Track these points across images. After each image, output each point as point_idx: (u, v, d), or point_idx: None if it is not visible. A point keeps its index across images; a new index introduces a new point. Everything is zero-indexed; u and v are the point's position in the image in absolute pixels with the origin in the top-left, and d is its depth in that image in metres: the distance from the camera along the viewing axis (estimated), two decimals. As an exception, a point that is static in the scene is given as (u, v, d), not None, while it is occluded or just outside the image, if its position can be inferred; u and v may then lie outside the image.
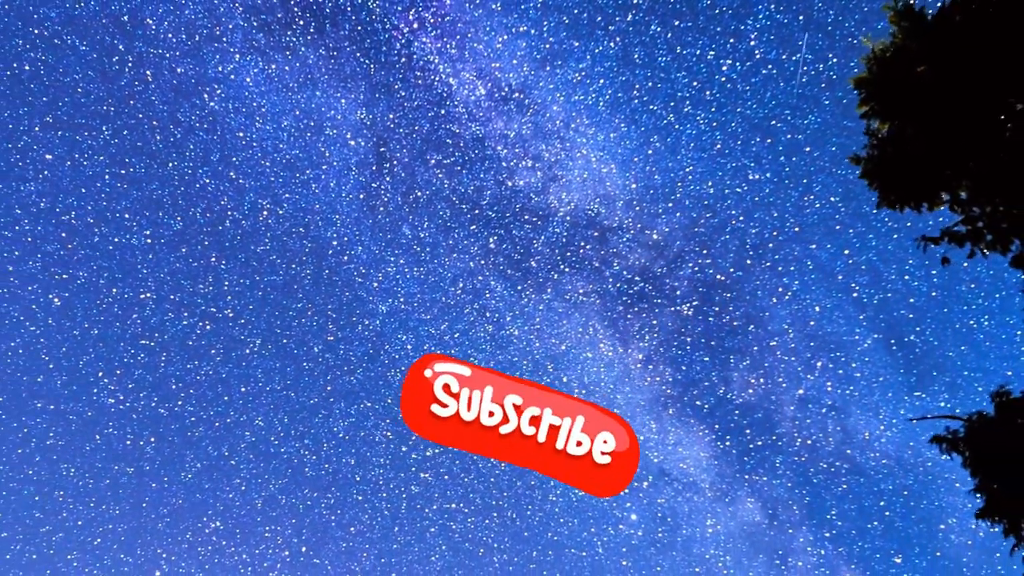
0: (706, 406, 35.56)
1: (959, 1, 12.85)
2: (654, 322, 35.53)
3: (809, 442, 34.06)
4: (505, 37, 31.07)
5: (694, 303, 35.22)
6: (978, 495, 12.07)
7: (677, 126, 31.87)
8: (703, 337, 35.59)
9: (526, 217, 35.27)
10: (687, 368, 35.75)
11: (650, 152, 32.62)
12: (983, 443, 12.07)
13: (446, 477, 39.51)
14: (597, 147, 32.53)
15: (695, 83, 31.05)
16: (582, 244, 34.96)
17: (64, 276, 35.98)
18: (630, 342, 35.99)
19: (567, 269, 35.53)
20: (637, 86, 31.43)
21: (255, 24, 32.61)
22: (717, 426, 35.97)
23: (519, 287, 36.56)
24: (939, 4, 13.27)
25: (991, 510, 11.87)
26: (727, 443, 35.63)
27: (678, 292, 35.02)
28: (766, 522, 35.93)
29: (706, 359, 35.73)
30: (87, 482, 37.54)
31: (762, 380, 34.46)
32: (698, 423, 35.79)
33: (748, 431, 35.40)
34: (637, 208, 33.18)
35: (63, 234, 35.49)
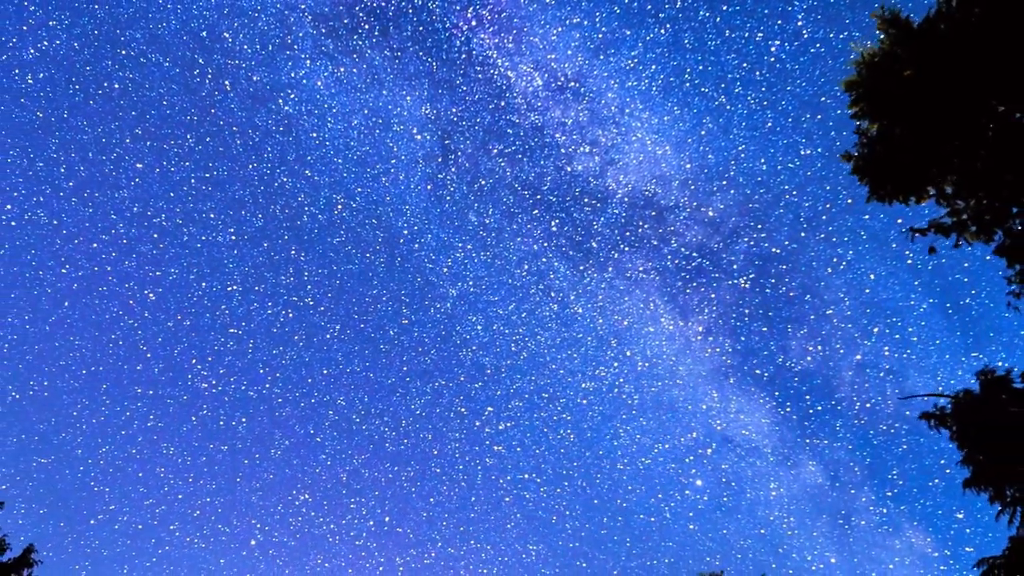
0: (766, 374, 36.96)
1: (944, 10, 13.61)
2: (712, 296, 37.09)
3: (868, 405, 34.99)
4: (559, 29, 32.34)
5: (751, 276, 36.74)
6: (965, 466, 12.96)
7: (728, 107, 33.22)
8: (760, 308, 37.09)
9: (585, 200, 37.01)
10: (746, 339, 37.28)
11: (703, 133, 33.93)
12: (969, 418, 12.94)
13: (519, 449, 41.44)
14: (652, 130, 33.82)
15: (744, 64, 32.26)
16: (640, 223, 36.65)
17: (157, 273, 39.20)
18: (690, 315, 37.53)
19: (627, 248, 37.22)
20: (688, 70, 32.75)
21: (323, 31, 34.26)
22: (777, 393, 36.92)
23: (581, 267, 38.28)
24: (925, 13, 14.06)
25: (977, 479, 12.76)
26: (787, 409, 36.49)
27: (735, 266, 36.60)
28: (828, 483, 36.85)
29: (764, 329, 37.42)
30: (185, 459, 40.82)
31: (820, 347, 35.70)
32: (758, 391, 37.19)
33: (808, 397, 36.40)
34: (692, 187, 34.47)
35: (155, 235, 38.54)
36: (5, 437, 39.26)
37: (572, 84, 33.59)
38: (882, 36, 14.22)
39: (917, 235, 14.62)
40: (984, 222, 14.25)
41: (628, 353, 38.45)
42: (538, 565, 41.07)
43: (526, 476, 40.73)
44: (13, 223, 37.36)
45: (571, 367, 39.82)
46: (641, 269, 37.07)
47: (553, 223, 37.57)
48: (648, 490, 40.19)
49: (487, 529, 41.67)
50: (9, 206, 37.24)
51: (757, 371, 36.57)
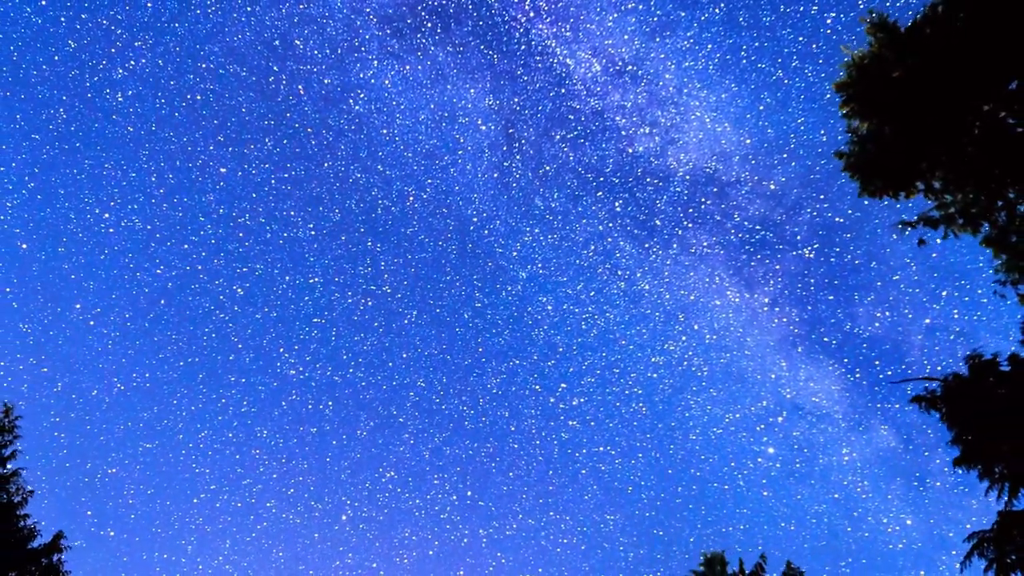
0: (834, 342, 37.02)
1: (930, 14, 14.18)
2: (777, 267, 37.30)
3: (939, 368, 34.98)
4: (615, 15, 33.04)
5: (815, 246, 36.76)
6: (955, 445, 13.41)
7: (786, 81, 33.45)
8: (826, 277, 37.14)
9: (648, 180, 37.48)
10: (813, 308, 37.39)
11: (762, 108, 34.23)
12: (958, 401, 13.40)
13: (592, 424, 42.32)
14: (710, 108, 34.16)
15: (800, 38, 32.69)
16: (703, 200, 37.04)
17: (244, 269, 41.48)
18: (756, 287, 37.75)
19: (690, 224, 37.77)
20: (744, 47, 33.19)
21: (388, 31, 35.71)
22: (846, 360, 36.95)
23: (646, 244, 38.89)
24: (912, 17, 14.63)
25: (967, 458, 13.20)
26: (857, 375, 36.57)
27: (798, 237, 36.71)
28: (901, 447, 36.62)
29: (831, 297, 37.25)
30: (278, 441, 42.90)
31: (888, 313, 35.73)
32: (827, 358, 37.22)
33: (877, 362, 36.52)
34: (753, 161, 34.73)
35: (240, 234, 40.79)
36: (113, 425, 41.81)
37: (630, 68, 34.38)
38: (871, 40, 14.79)
39: (907, 228, 15.14)
40: (971, 215, 14.75)
41: (696, 327, 39.16)
42: (616, 534, 41.76)
43: (601, 449, 41.55)
44: (111, 230, 39.76)
45: (640, 342, 40.69)
46: (705, 244, 37.71)
47: (617, 204, 38.41)
48: (721, 459, 40.78)
49: (565, 500, 42.69)
50: (107, 215, 39.65)
51: (825, 339, 36.89)
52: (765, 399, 38.70)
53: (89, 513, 40.43)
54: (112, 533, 40.26)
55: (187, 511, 41.51)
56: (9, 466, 17.43)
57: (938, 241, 15.06)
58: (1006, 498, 12.79)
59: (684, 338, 39.46)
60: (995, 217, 14.60)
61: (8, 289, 39.71)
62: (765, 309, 37.64)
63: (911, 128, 14.52)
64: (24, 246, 39.21)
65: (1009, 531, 12.53)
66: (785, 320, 37.23)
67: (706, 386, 40.03)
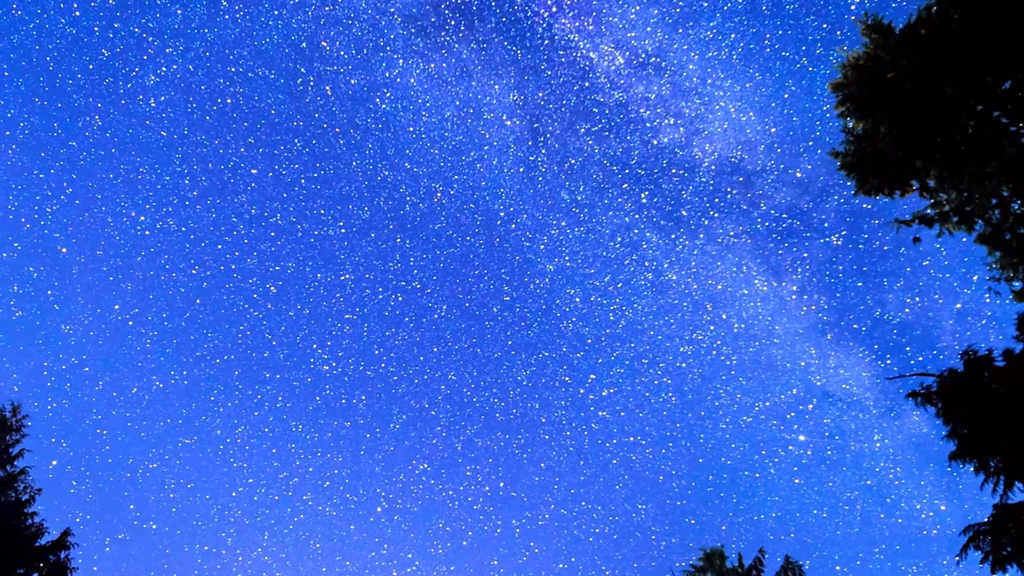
0: (863, 328, 36.63)
1: (924, 16, 14.33)
2: (805, 255, 36.81)
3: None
4: (637, 7, 32.97)
5: (842, 233, 36.17)
6: (951, 440, 13.50)
7: (811, 68, 33.07)
8: (855, 264, 36.51)
9: (673, 171, 37.32)
10: (841, 294, 36.96)
11: (786, 96, 33.82)
12: (954, 396, 13.49)
13: (622, 414, 42.24)
14: (735, 98, 34.00)
15: (824, 25, 32.38)
16: (728, 189, 36.66)
17: (276, 268, 42.12)
18: (783, 275, 37.32)
19: (716, 214, 37.47)
20: (768, 35, 32.92)
21: (413, 30, 36.01)
22: (876, 346, 36.64)
23: (673, 235, 38.58)
24: (906, 18, 14.79)
25: (962, 452, 13.29)
26: (888, 361, 36.15)
27: (826, 224, 36.29)
28: (934, 432, 35.32)
29: (859, 284, 36.59)
30: (313, 435, 43.63)
31: (918, 299, 35.18)
32: (857, 345, 36.78)
33: (908, 348, 36.08)
34: (779, 150, 34.46)
35: (272, 233, 41.62)
36: (153, 422, 42.79)
37: (653, 59, 34.26)
38: (866, 41, 14.94)
39: (902, 226, 15.28)
40: (966, 213, 14.88)
41: (724, 316, 39.06)
42: (648, 523, 41.87)
43: (631, 439, 41.63)
44: (147, 232, 40.85)
45: (668, 332, 40.66)
46: (732, 234, 37.44)
47: (643, 195, 38.27)
48: (751, 447, 40.60)
49: (596, 490, 42.96)
50: (143, 217, 40.66)
51: (855, 326, 36.60)
52: (795, 387, 38.55)
53: (132, 507, 41.36)
54: (154, 526, 41.36)
55: (226, 504, 42.58)
56: (17, 464, 17.56)
57: (938, 236, 15.20)
58: (1001, 491, 12.90)
59: (712, 327, 39.38)
60: (989, 215, 14.73)
61: (50, 292, 40.78)
62: (793, 297, 37.48)
63: (906, 128, 14.66)
64: (64, 250, 40.39)
65: (1004, 524, 12.62)
66: (814, 308, 37.00)
67: (735, 375, 39.94)
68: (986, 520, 12.85)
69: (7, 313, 40.21)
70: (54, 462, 40.11)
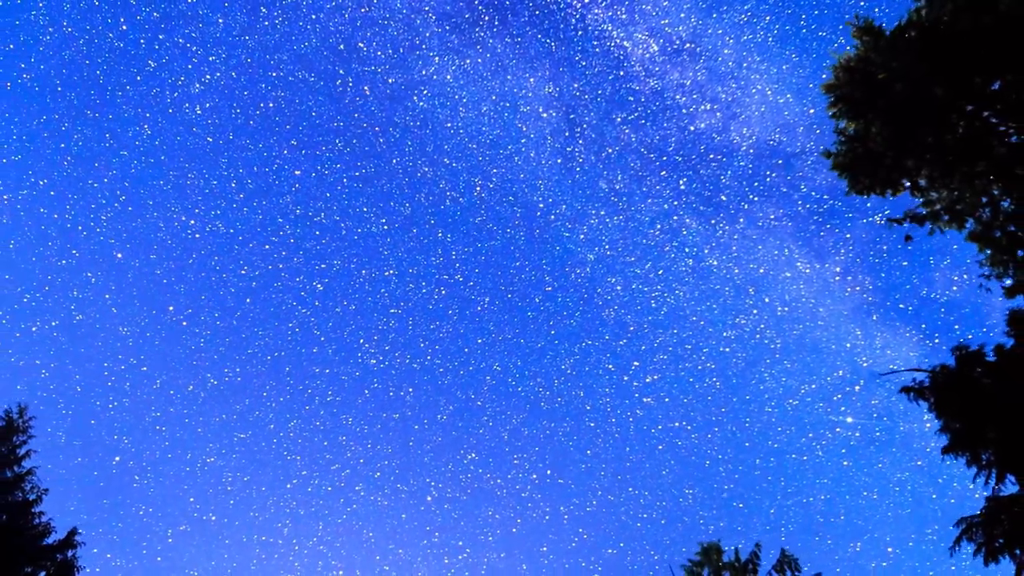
0: (910, 308, 36.06)
1: (914, 18, 14.45)
2: (848, 235, 36.22)
3: None
4: None
5: (886, 212, 36.53)
6: (944, 434, 13.59)
7: (849, 48, 33.91)
8: (899, 243, 36.41)
9: (711, 156, 37.07)
10: (886, 275, 36.49)
11: (824, 75, 34.08)
12: (946, 391, 13.58)
13: (667, 400, 42.33)
14: (772, 80, 33.61)
15: (861, 3, 31.71)
16: (768, 173, 36.32)
17: (322, 265, 43.05)
18: (826, 257, 36.82)
19: (756, 198, 37.25)
20: (803, 16, 32.62)
21: (447, 28, 36.40)
22: (923, 325, 36.01)
23: (712, 221, 38.42)
24: (896, 21, 14.90)
25: (955, 446, 13.36)
26: (936, 340, 35.54)
27: (868, 204, 35.66)
28: None
29: (904, 263, 36.20)
30: (363, 427, 44.54)
31: (965, 275, 34.46)
32: (904, 325, 36.31)
33: (957, 327, 35.47)
34: (818, 131, 33.77)
35: (317, 232, 42.46)
36: (209, 418, 43.94)
37: (688, 46, 34.14)
38: (857, 43, 15.05)
39: (894, 225, 15.37)
40: (957, 211, 14.97)
41: (767, 299, 38.78)
42: (695, 508, 41.86)
43: (676, 424, 41.61)
44: (197, 235, 42.24)
45: (711, 318, 40.46)
46: (772, 217, 37.22)
47: (681, 182, 38.22)
48: (798, 430, 40.46)
49: (643, 476, 42.98)
50: (192, 221, 41.96)
51: (901, 305, 36.10)
52: (841, 368, 38.20)
53: (192, 499, 42.49)
54: (214, 518, 42.45)
55: (281, 496, 43.51)
56: (24, 464, 17.61)
57: (930, 234, 15.29)
58: (993, 484, 12.97)
59: (755, 311, 39.01)
60: (979, 213, 14.83)
61: (107, 296, 42.10)
62: (837, 278, 37.10)
63: (897, 128, 14.75)
64: (119, 255, 41.75)
65: (997, 516, 12.69)
66: (858, 288, 36.40)
67: (780, 358, 39.64)
68: (979, 512, 12.92)
69: (68, 317, 41.51)
70: (117, 458, 41.55)
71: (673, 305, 41.11)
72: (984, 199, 14.72)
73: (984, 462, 13.02)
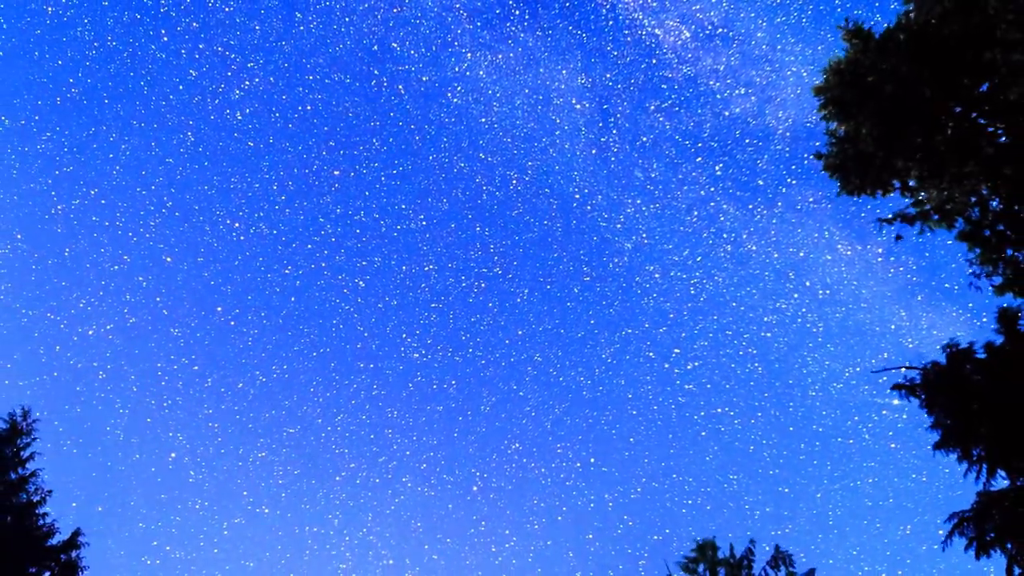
0: (956, 287, 35.14)
1: (902, 22, 14.52)
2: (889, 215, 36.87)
3: None
4: None
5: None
6: (935, 430, 13.60)
7: (887, 24, 33.90)
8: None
9: (747, 141, 36.18)
10: (930, 254, 35.50)
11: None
12: (937, 388, 13.60)
13: (708, 386, 41.79)
14: (807, 62, 32.83)
15: None
16: (805, 155, 35.25)
17: (363, 263, 43.58)
18: (867, 239, 35.74)
19: (794, 181, 36.42)
20: None
21: (479, 24, 36.45)
22: (971, 304, 35.82)
23: (750, 205, 37.48)
24: (886, 24, 14.96)
25: (946, 441, 13.38)
26: (984, 319, 35.34)
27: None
28: None
29: (949, 242, 36.74)
30: (408, 420, 44.74)
31: None
32: (950, 305, 35.11)
33: (1004, 304, 35.81)
34: None
35: (357, 230, 42.98)
36: (259, 413, 44.94)
37: (720, 30, 33.55)
38: (847, 46, 15.11)
39: (884, 225, 15.41)
40: (946, 211, 15.01)
41: (807, 283, 37.90)
42: (741, 493, 41.31)
43: (719, 410, 41.34)
44: (242, 237, 43.09)
45: (751, 303, 39.72)
46: (811, 200, 36.68)
47: (717, 168, 37.40)
48: (843, 414, 39.73)
49: (687, 463, 42.62)
50: (237, 224, 42.93)
51: (946, 285, 35.84)
52: (886, 351, 37.49)
53: (245, 493, 43.16)
54: (267, 511, 43.27)
55: (331, 488, 44.28)
56: (28, 467, 17.61)
57: (919, 234, 15.33)
58: (984, 479, 12.99)
59: (796, 295, 38.59)
60: (969, 213, 14.87)
61: (158, 299, 43.43)
62: (879, 259, 36.58)
63: (887, 129, 14.79)
64: (168, 259, 43.10)
65: (988, 510, 12.71)
66: (902, 269, 35.31)
67: (822, 342, 38.77)
68: (970, 507, 12.94)
69: (122, 320, 42.71)
70: (172, 454, 42.55)
71: (712, 291, 40.94)
72: (973, 199, 14.76)
73: (975, 457, 13.04)
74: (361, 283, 43.71)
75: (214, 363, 44.41)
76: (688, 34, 34.88)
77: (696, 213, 39.51)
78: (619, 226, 40.93)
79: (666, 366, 42.47)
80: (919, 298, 36.74)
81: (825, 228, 37.42)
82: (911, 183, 15.02)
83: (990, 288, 14.88)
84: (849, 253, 37.13)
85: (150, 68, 38.79)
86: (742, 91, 35.38)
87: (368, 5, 36.96)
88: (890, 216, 15.26)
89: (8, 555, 15.83)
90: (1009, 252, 14.56)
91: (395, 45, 37.96)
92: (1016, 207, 14.51)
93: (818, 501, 40.23)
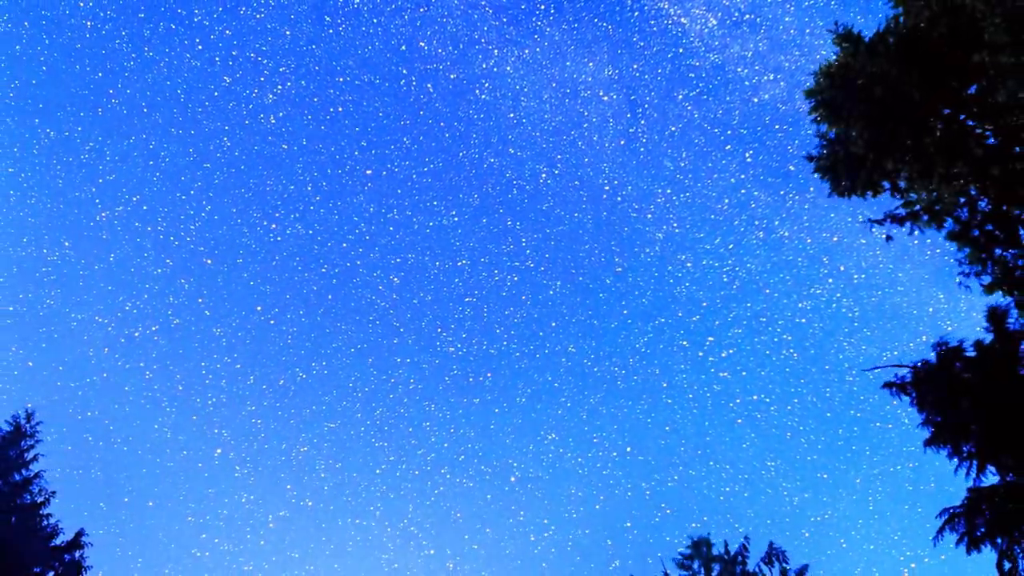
0: None
1: (891, 26, 14.57)
2: None
3: None
4: None
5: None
6: (925, 427, 13.63)
7: (877, 28, 33.34)
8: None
9: (776, 127, 36.64)
10: None
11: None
12: (927, 386, 13.64)
13: (743, 373, 42.16)
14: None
15: None
16: None
17: (397, 260, 44.62)
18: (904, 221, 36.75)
19: None
20: None
21: (504, 20, 37.01)
22: None
23: (782, 191, 37.66)
24: (876, 28, 15.01)
25: (936, 438, 13.41)
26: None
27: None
28: None
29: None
30: (445, 413, 45.76)
31: None
32: None
33: None
34: None
35: (391, 228, 43.89)
36: (300, 409, 45.73)
37: (747, 16, 33.40)
38: (838, 50, 15.16)
39: (875, 226, 15.45)
40: (935, 212, 15.05)
41: (842, 268, 37.95)
42: (779, 480, 41.33)
43: (755, 397, 41.13)
44: (279, 238, 44.05)
45: (785, 289, 39.88)
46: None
47: (747, 154, 37.43)
48: (882, 398, 39.88)
49: (723, 450, 42.60)
50: (273, 225, 43.81)
51: None
52: (924, 334, 37.49)
53: (289, 487, 44.03)
54: (310, 503, 44.02)
55: (372, 481, 44.95)
56: (32, 468, 17.62)
57: (910, 234, 15.36)
58: (974, 475, 13.02)
59: (830, 280, 38.04)
60: (958, 213, 14.91)
61: (200, 300, 44.36)
62: (916, 242, 36.68)
63: (876, 131, 14.84)
64: (209, 261, 44.11)
65: (978, 506, 12.73)
66: (939, 251, 35.09)
67: (859, 326, 38.82)
68: (961, 503, 12.97)
69: (166, 322, 43.77)
70: (218, 450, 43.34)
71: (745, 278, 40.49)
72: (962, 199, 14.80)
73: (965, 454, 13.08)
74: (396, 279, 44.56)
75: (255, 360, 45.70)
76: (715, 21, 34.37)
77: (727, 201, 39.00)
78: (650, 216, 40.82)
79: (700, 354, 42.56)
80: (957, 280, 36.37)
81: (859, 211, 37.08)
82: (901, 184, 15.06)
83: (980, 287, 14.91)
84: (884, 236, 36.59)
85: (186, 76, 39.63)
86: (771, 77, 34.97)
87: (395, 6, 37.48)
88: (881, 217, 15.29)
89: (13, 555, 15.83)
90: (998, 251, 14.59)
91: (422, 44, 38.41)
92: (1004, 207, 14.56)
93: (858, 487, 39.73)
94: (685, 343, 43.09)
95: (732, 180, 38.92)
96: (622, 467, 43.17)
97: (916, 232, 15.19)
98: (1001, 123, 14.38)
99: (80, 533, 17.14)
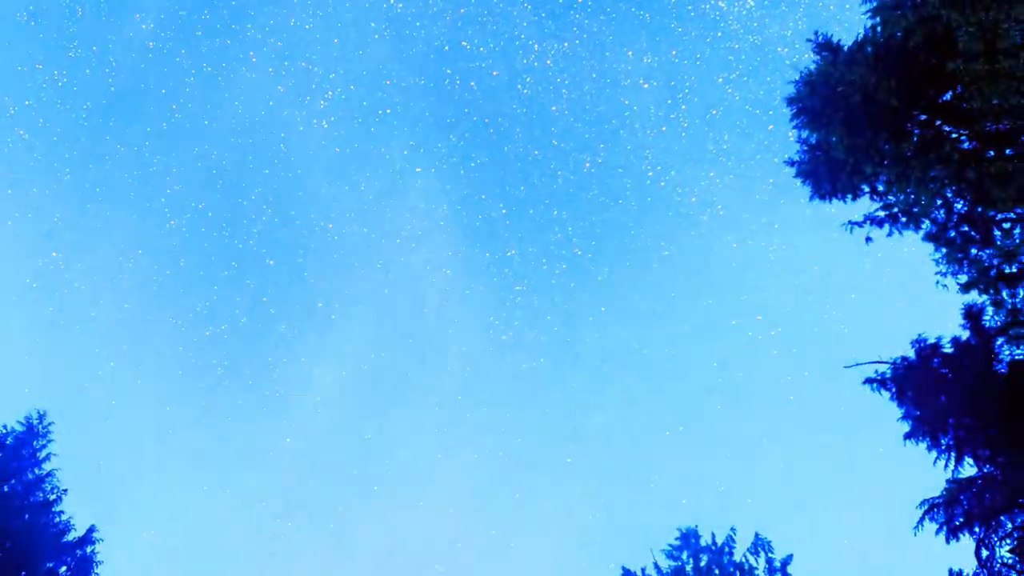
0: None
1: (869, 36, 14.84)
2: None
3: None
4: None
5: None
6: (904, 421, 13.80)
7: (856, 37, 33.33)
8: None
9: None
10: None
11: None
12: (906, 381, 13.82)
13: (794, 350, 43.05)
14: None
15: None
16: None
17: (449, 253, 45.97)
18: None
19: None
20: None
21: (543, 14, 37.31)
22: None
23: None
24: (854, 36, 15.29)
25: (915, 432, 13.58)
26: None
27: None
28: None
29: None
30: (499, 398, 47.38)
31: None
32: None
33: None
34: None
35: (441, 223, 45.01)
36: (364, 399, 47.85)
37: None
38: (817, 58, 15.44)
39: (855, 227, 15.67)
40: (913, 214, 15.28)
41: (880, 255, 39.41)
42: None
43: (806, 374, 41.36)
44: (336, 238, 44.83)
45: (832, 265, 40.86)
46: None
47: (790, 134, 37.98)
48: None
49: (774, 428, 44.21)
50: (330, 225, 44.97)
51: None
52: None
53: (355, 472, 46.28)
54: (376, 488, 46.56)
55: (432, 465, 46.67)
56: (44, 467, 17.83)
57: (888, 236, 15.59)
58: (952, 466, 13.18)
59: (879, 254, 39.05)
60: (935, 215, 15.13)
61: (264, 299, 46.19)
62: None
63: (855, 137, 15.09)
64: (271, 262, 45.85)
65: (956, 497, 12.89)
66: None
67: (911, 300, 39.77)
68: (940, 494, 13.13)
69: (234, 321, 45.45)
70: (288, 439, 45.00)
71: (793, 257, 40.40)
72: (939, 201, 15.03)
73: (944, 447, 13.24)
74: (448, 272, 45.93)
75: (319, 353, 47.23)
76: (752, 3, 34.16)
77: (771, 181, 39.01)
78: (694, 200, 41.12)
79: (749, 333, 43.31)
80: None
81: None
82: (880, 188, 15.28)
83: (957, 286, 15.10)
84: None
85: (242, 87, 41.02)
86: (811, 55, 34.79)
87: (436, 8, 38.09)
88: (860, 219, 15.52)
89: (26, 550, 16.03)
90: (974, 252, 14.79)
91: (464, 44, 39.34)
92: (980, 209, 14.77)
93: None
94: (733, 322, 44.12)
95: (775, 159, 39.28)
96: (675, 446, 44.55)
97: (895, 234, 15.39)
98: (975, 128, 14.64)
99: (91, 529, 17.33)
